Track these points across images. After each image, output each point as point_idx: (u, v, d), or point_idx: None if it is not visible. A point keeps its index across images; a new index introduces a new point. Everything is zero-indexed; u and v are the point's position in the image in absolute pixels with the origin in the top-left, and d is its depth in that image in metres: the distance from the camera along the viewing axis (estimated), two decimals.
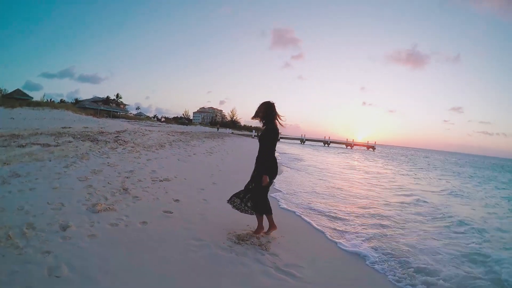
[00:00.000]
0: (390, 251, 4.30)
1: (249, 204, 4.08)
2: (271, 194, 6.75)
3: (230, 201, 4.17)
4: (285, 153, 25.94)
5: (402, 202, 8.34)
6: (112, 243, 3.15)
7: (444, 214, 7.22)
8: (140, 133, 17.49)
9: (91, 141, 10.06)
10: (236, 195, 4.15)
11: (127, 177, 6.05)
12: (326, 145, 65.98)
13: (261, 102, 3.98)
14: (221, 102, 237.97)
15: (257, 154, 3.96)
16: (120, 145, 10.63)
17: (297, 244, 4.09)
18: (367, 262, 3.89)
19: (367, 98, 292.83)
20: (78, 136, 10.91)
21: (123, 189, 5.14)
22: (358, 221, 5.82)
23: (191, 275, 2.81)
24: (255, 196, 3.99)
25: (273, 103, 3.99)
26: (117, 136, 13.27)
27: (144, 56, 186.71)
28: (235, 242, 3.73)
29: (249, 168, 11.26)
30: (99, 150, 8.57)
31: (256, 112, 4.00)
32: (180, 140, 17.67)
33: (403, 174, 17.94)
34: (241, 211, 4.15)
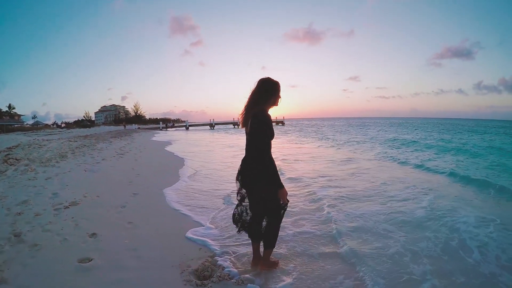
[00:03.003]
0: None
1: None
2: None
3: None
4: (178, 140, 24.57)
5: None
6: None
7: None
8: (36, 145, 14.11)
9: None
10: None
11: (20, 213, 4.31)
12: (236, 126, 62.33)
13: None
14: (123, 98, 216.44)
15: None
16: (10, 165, 8.16)
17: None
18: None
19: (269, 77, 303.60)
20: None
21: (15, 236, 3.50)
22: None
23: None
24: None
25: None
26: (8, 154, 10.29)
27: (36, 59, 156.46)
28: (197, 285, 2.49)
29: (167, 166, 9.89)
30: None
31: None
32: (84, 145, 14.89)
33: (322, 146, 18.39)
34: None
